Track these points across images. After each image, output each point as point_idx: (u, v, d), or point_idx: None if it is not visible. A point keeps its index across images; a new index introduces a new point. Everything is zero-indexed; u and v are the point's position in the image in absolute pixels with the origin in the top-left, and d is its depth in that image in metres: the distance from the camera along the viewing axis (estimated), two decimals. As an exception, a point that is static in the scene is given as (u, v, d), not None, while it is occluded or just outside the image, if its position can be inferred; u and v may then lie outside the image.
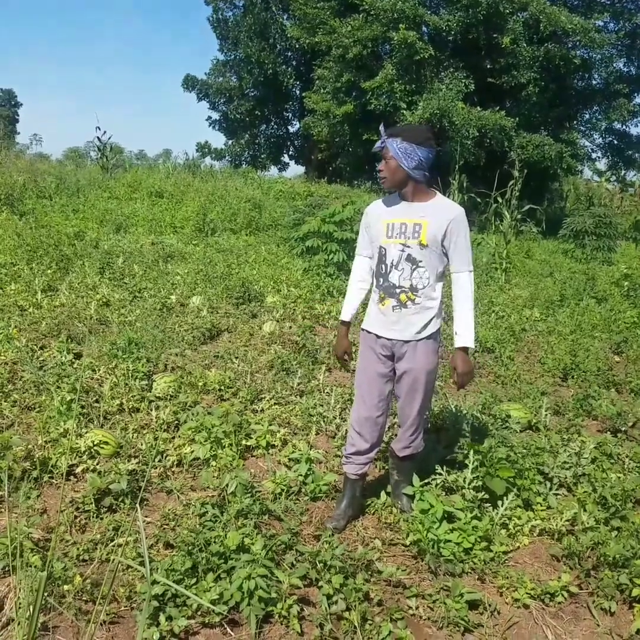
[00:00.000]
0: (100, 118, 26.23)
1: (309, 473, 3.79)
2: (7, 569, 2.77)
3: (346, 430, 4.24)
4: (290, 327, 6.85)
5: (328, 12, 21.44)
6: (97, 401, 4.65)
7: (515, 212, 12.06)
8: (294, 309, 7.54)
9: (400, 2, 18.42)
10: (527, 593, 2.91)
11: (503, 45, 18.48)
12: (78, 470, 3.73)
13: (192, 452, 4.01)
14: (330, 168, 27.85)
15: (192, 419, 4.31)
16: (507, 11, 18.41)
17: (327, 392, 5.14)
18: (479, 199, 16.11)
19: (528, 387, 5.54)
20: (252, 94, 29.47)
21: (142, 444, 4.06)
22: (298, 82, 29.24)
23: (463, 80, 18.94)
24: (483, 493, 3.48)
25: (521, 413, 4.80)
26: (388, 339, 3.27)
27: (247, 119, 30.00)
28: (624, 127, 22.29)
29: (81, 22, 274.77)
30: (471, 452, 3.65)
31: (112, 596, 2.74)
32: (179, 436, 4.21)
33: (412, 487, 3.42)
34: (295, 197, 15.97)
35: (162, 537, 3.12)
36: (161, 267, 9.05)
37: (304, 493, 3.72)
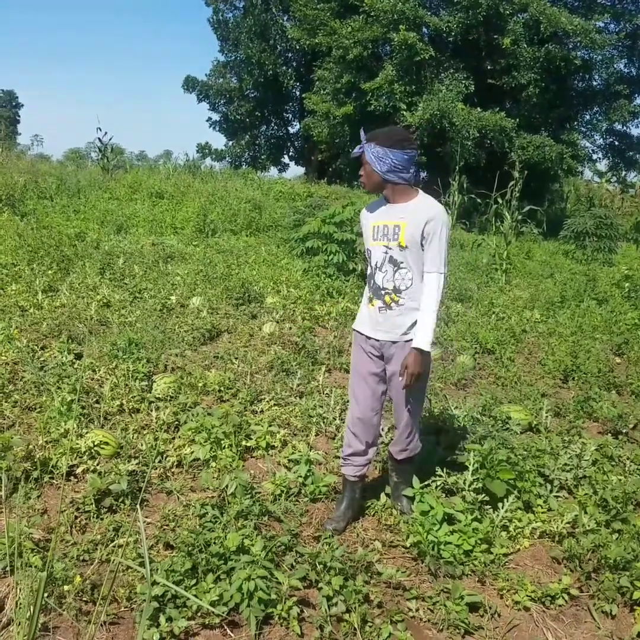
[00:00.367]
0: (101, 119, 26.39)
1: (308, 474, 3.79)
2: (7, 569, 2.76)
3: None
4: (290, 328, 6.85)
5: (328, 14, 21.47)
6: (97, 402, 4.64)
7: (515, 213, 12.06)
8: (294, 310, 7.54)
9: (400, 3, 18.44)
10: (527, 595, 2.91)
11: (503, 46, 18.50)
12: (78, 470, 3.73)
13: (192, 453, 4.01)
14: (330, 169, 27.88)
15: (192, 420, 4.30)
16: (508, 12, 18.43)
17: (326, 393, 5.14)
18: (479, 200, 16.14)
19: (528, 389, 5.53)
20: (253, 95, 29.51)
21: (142, 445, 4.06)
22: (298, 83, 29.29)
23: (463, 81, 18.96)
24: (483, 495, 3.48)
25: (522, 415, 4.79)
26: (376, 340, 3.28)
27: (248, 120, 30.03)
28: (625, 128, 22.35)
29: (82, 23, 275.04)
30: (471, 454, 3.65)
31: (112, 597, 2.74)
32: (179, 437, 4.21)
33: (412, 488, 3.42)
34: (295, 198, 15.98)
35: (162, 537, 3.12)
36: (161, 267, 9.05)
37: (304, 494, 3.72)
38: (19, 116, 71.33)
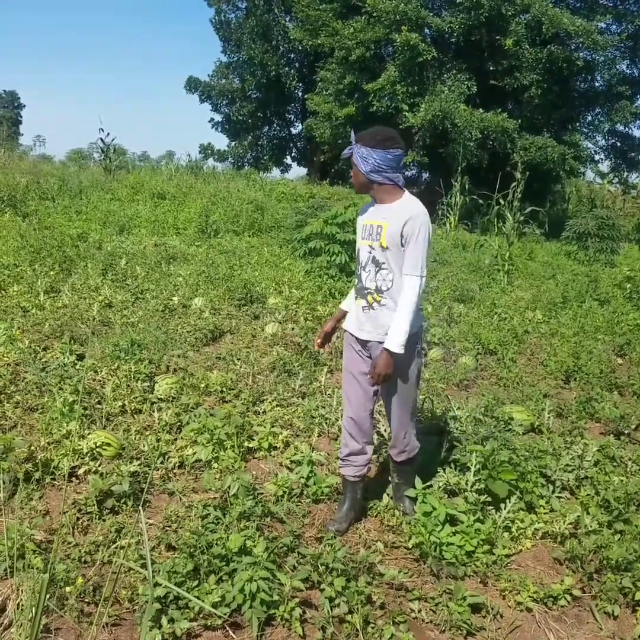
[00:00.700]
0: (104, 119, 26.39)
1: (311, 475, 3.79)
2: (9, 570, 2.77)
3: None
4: (293, 329, 6.85)
5: (330, 14, 21.44)
6: (99, 403, 4.65)
7: (517, 214, 12.05)
8: (296, 311, 7.54)
9: (402, 4, 18.42)
10: (529, 596, 2.91)
11: (505, 47, 18.47)
12: (80, 471, 3.73)
13: (194, 454, 4.01)
14: (333, 170, 27.87)
15: (194, 421, 4.31)
16: (510, 13, 18.41)
17: (329, 394, 5.14)
18: (481, 201, 16.13)
19: (530, 390, 5.53)
20: (255, 95, 29.50)
21: (144, 446, 4.06)
22: (300, 84, 29.27)
23: (465, 82, 18.94)
24: (485, 496, 3.48)
25: (524, 415, 4.79)
26: (363, 340, 3.30)
27: (250, 120, 30.03)
28: (627, 129, 22.29)
29: (84, 23, 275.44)
30: (473, 454, 3.65)
31: (114, 598, 2.74)
32: (181, 438, 4.21)
33: (414, 489, 3.42)
34: (298, 199, 15.98)
35: (164, 539, 3.12)
36: (164, 268, 9.06)
37: (306, 495, 3.72)
38: (21, 117, 71.49)
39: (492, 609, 2.84)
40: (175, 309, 7.24)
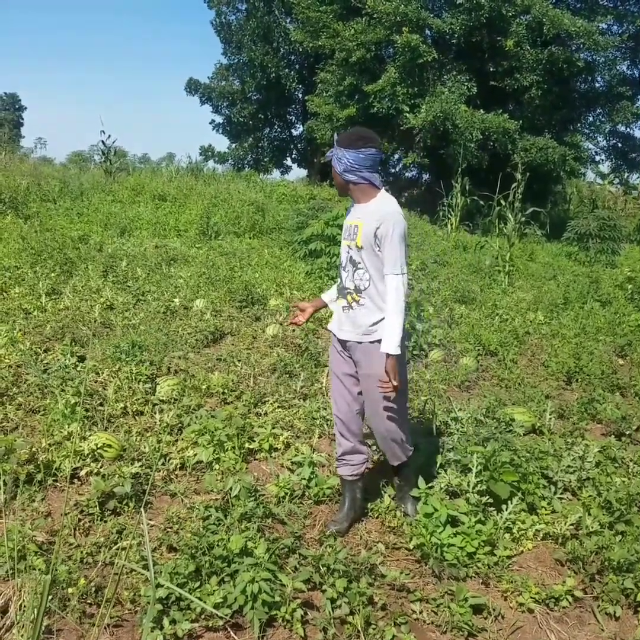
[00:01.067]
0: (104, 121, 26.29)
1: (312, 476, 3.79)
2: (11, 572, 2.77)
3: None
4: (293, 330, 6.85)
5: (331, 16, 21.45)
6: (101, 404, 4.65)
7: (518, 214, 12.06)
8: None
9: (403, 6, 18.44)
10: (531, 597, 2.91)
11: (506, 48, 18.49)
12: (82, 473, 3.74)
13: (196, 455, 4.01)
14: (333, 171, 27.82)
15: (195, 422, 4.31)
16: (510, 14, 18.43)
17: (329, 395, 5.13)
18: (482, 202, 16.14)
19: (532, 391, 5.53)
20: (255, 97, 29.54)
21: (145, 447, 4.06)
22: (301, 86, 29.29)
23: (466, 83, 18.96)
24: (487, 497, 3.47)
25: (525, 417, 4.79)
26: (343, 340, 3.31)
27: (250, 122, 30.06)
28: (628, 129, 22.34)
29: (84, 26, 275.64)
30: (475, 455, 3.65)
31: (115, 599, 2.74)
32: (183, 439, 4.22)
33: (418, 489, 3.42)
34: (298, 200, 15.99)
35: (166, 540, 3.12)
36: (164, 270, 9.06)
37: (307, 496, 3.72)
38: (22, 119, 71.51)
39: (494, 610, 2.84)
40: (176, 310, 7.25)
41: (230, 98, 29.80)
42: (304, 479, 3.78)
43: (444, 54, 19.85)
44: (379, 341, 3.15)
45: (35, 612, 2.18)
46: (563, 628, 2.82)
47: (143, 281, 8.29)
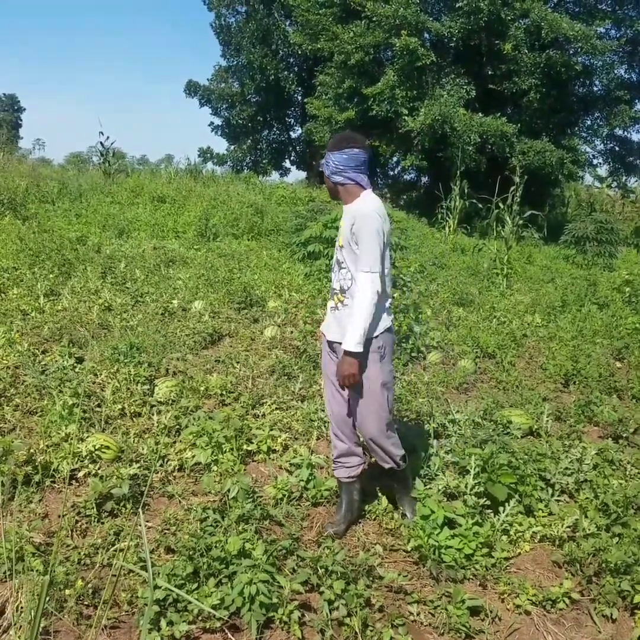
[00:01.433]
0: (103, 123, 26.25)
1: (310, 478, 3.79)
2: (8, 573, 2.77)
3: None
4: (292, 332, 6.85)
5: (330, 19, 21.50)
6: (98, 405, 4.65)
7: (516, 217, 12.08)
8: (296, 314, 7.55)
9: (402, 9, 18.48)
10: (528, 599, 2.91)
11: (504, 52, 18.54)
12: (80, 474, 3.74)
13: (194, 456, 4.01)
14: (332, 173, 27.84)
15: (193, 424, 4.31)
16: (509, 18, 18.48)
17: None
18: (480, 205, 16.17)
19: (529, 393, 5.53)
20: (254, 99, 29.59)
21: (143, 449, 4.06)
22: (300, 88, 29.35)
23: (464, 87, 19.00)
24: (484, 499, 3.48)
25: (523, 419, 4.80)
26: (330, 341, 3.32)
27: (249, 124, 30.11)
28: (625, 133, 22.40)
29: (84, 28, 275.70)
30: (473, 458, 3.65)
31: (113, 601, 2.74)
32: (181, 441, 4.21)
33: (417, 490, 3.42)
34: (297, 203, 16.01)
35: (163, 541, 3.12)
36: (163, 271, 9.07)
37: (305, 498, 3.72)
38: (21, 120, 71.50)
39: (491, 612, 2.84)
40: (174, 312, 7.25)
41: (229, 100, 29.85)
42: (302, 480, 3.79)
43: (442, 57, 19.89)
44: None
45: (33, 613, 2.18)
46: (560, 630, 2.82)
47: (141, 283, 8.29)
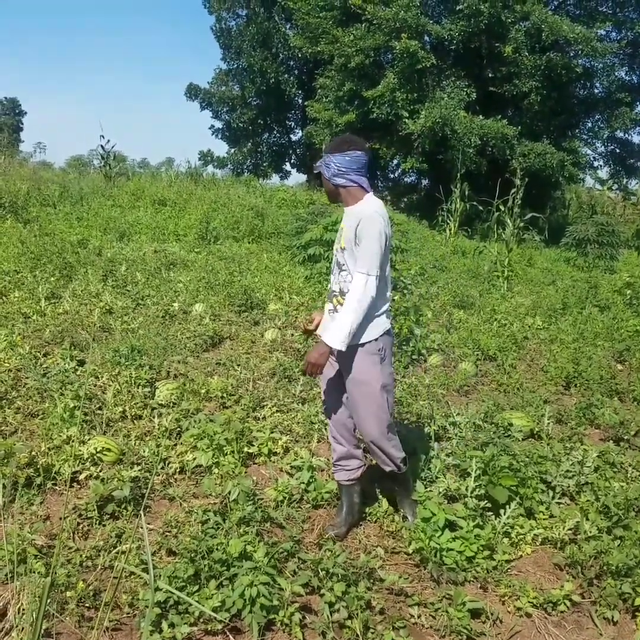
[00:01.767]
0: (104, 126, 26.42)
1: (311, 481, 3.79)
2: (10, 575, 2.77)
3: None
4: (292, 335, 6.86)
5: (330, 22, 21.53)
6: (100, 408, 4.65)
7: (517, 220, 12.09)
8: (296, 317, 7.55)
9: (402, 12, 18.51)
10: (529, 602, 2.91)
11: (505, 54, 18.56)
12: (81, 477, 3.74)
13: (195, 459, 4.02)
14: (333, 176, 27.87)
15: (194, 426, 4.31)
16: (509, 20, 18.50)
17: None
18: (481, 207, 16.17)
19: (530, 396, 5.53)
20: (255, 102, 29.64)
21: (144, 451, 4.07)
22: (300, 91, 29.40)
23: (465, 89, 19.02)
24: (485, 501, 3.48)
25: (524, 421, 4.79)
26: None
27: (250, 127, 30.17)
28: (626, 135, 22.41)
29: (84, 28, 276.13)
30: (473, 460, 3.65)
31: (114, 603, 2.74)
32: (182, 443, 4.22)
33: (417, 492, 3.42)
34: (298, 205, 16.02)
35: (165, 544, 3.13)
36: (164, 274, 9.08)
37: (306, 501, 3.73)
38: (22, 124, 71.63)
39: (492, 614, 2.84)
40: (175, 315, 7.26)
41: (229, 103, 29.91)
42: (303, 483, 3.79)
43: (443, 60, 19.92)
44: (362, 344, 3.15)
45: (34, 615, 2.18)
46: (561, 632, 2.82)
47: (142, 285, 8.30)
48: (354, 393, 3.24)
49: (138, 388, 4.95)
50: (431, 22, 19.79)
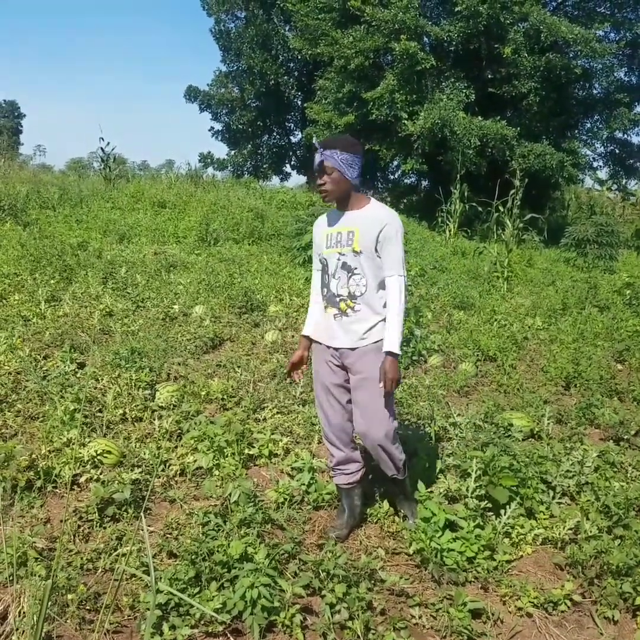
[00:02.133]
0: (103, 128, 26.57)
1: (311, 482, 3.80)
2: (10, 578, 2.77)
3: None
4: (293, 336, 6.86)
5: (329, 24, 21.53)
6: (100, 411, 4.66)
7: (516, 221, 12.09)
8: (296, 318, 7.56)
9: (401, 13, 18.51)
10: (530, 602, 2.91)
11: (504, 55, 18.55)
12: (81, 479, 3.74)
13: (195, 461, 4.02)
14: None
15: (194, 428, 4.32)
16: (508, 21, 18.49)
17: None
18: (480, 208, 16.18)
19: (530, 396, 5.54)
20: (255, 104, 29.65)
21: (145, 453, 4.07)
22: (300, 93, 29.43)
23: (464, 90, 19.01)
24: (486, 502, 3.48)
25: (524, 422, 4.80)
26: (335, 348, 3.27)
27: (250, 129, 30.17)
28: (625, 136, 22.35)
29: (84, 33, 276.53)
30: (474, 460, 3.65)
31: (115, 605, 2.74)
32: (182, 445, 4.22)
33: (418, 491, 3.42)
34: (297, 207, 16.01)
35: (165, 546, 3.13)
36: (164, 276, 9.08)
37: (307, 502, 3.73)
38: (22, 126, 71.71)
39: (493, 614, 2.84)
40: (175, 317, 7.26)
41: (229, 105, 29.91)
42: (304, 484, 3.79)
43: (442, 61, 19.91)
44: (374, 343, 3.16)
45: (35, 618, 2.19)
46: (562, 632, 2.82)
47: (142, 288, 8.30)
48: (363, 394, 3.21)
49: (138, 390, 4.96)
50: (430, 23, 19.78)
